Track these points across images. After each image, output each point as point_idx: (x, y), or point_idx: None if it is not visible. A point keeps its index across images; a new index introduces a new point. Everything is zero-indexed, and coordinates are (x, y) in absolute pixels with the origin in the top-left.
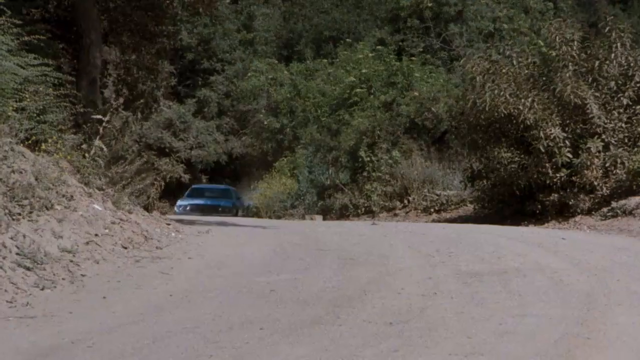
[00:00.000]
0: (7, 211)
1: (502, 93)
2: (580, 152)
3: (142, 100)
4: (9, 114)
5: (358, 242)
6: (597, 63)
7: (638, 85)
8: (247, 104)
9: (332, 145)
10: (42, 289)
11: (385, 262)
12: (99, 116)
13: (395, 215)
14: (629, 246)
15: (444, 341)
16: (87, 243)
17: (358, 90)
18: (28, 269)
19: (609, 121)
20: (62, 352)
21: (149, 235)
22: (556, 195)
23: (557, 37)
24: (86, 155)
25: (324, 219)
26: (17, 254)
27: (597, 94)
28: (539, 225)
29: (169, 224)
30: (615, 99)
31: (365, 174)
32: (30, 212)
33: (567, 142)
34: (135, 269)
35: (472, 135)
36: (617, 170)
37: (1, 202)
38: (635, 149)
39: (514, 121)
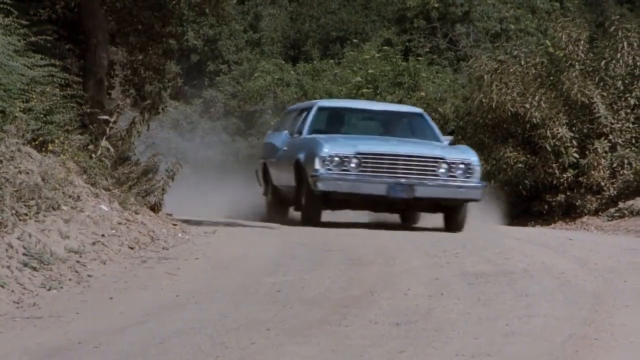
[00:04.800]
0: (13, 211)
1: (509, 92)
2: (587, 152)
3: (148, 101)
4: (16, 114)
5: (365, 243)
6: (603, 63)
7: None
8: (253, 104)
9: None
10: (49, 290)
11: (392, 262)
12: (105, 117)
13: None
14: (636, 246)
15: (451, 342)
16: (94, 243)
17: (365, 90)
18: (35, 269)
19: (616, 121)
20: (69, 353)
21: (156, 235)
22: (563, 195)
23: (564, 37)
24: (93, 155)
25: None
26: (23, 254)
27: (604, 93)
28: (546, 226)
29: (175, 225)
30: (623, 99)
31: None
32: (37, 213)
33: (574, 142)
34: (141, 270)
35: (478, 136)
36: (625, 171)
37: (8, 203)
38: None
39: (521, 121)
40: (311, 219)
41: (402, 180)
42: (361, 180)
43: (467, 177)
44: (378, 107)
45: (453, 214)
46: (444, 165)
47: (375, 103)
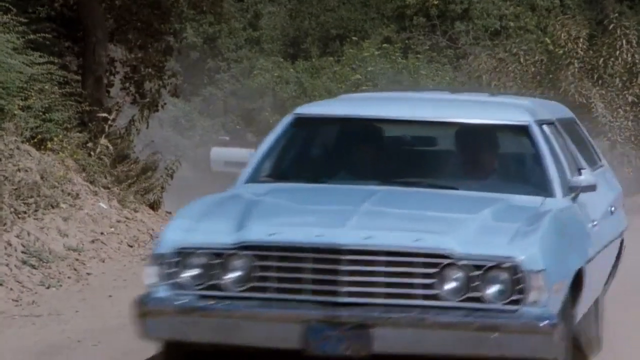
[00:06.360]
0: (12, 209)
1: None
2: None
3: (148, 99)
4: (15, 112)
5: None
6: (602, 60)
7: None
8: (252, 102)
9: None
10: (48, 288)
11: None
12: (104, 114)
13: None
14: (635, 244)
15: None
16: (93, 241)
17: (364, 88)
18: (34, 267)
19: (614, 119)
20: (68, 351)
21: (155, 233)
22: None
23: (563, 35)
24: (92, 153)
25: None
26: (22, 252)
27: (602, 91)
28: None
29: None
30: (621, 96)
31: None
32: (36, 211)
33: None
34: (141, 268)
35: None
36: (625, 168)
37: (7, 201)
38: None
39: None
40: None
41: (343, 312)
42: (243, 315)
43: (514, 302)
44: (425, 115)
45: None
46: (452, 273)
47: (430, 101)
